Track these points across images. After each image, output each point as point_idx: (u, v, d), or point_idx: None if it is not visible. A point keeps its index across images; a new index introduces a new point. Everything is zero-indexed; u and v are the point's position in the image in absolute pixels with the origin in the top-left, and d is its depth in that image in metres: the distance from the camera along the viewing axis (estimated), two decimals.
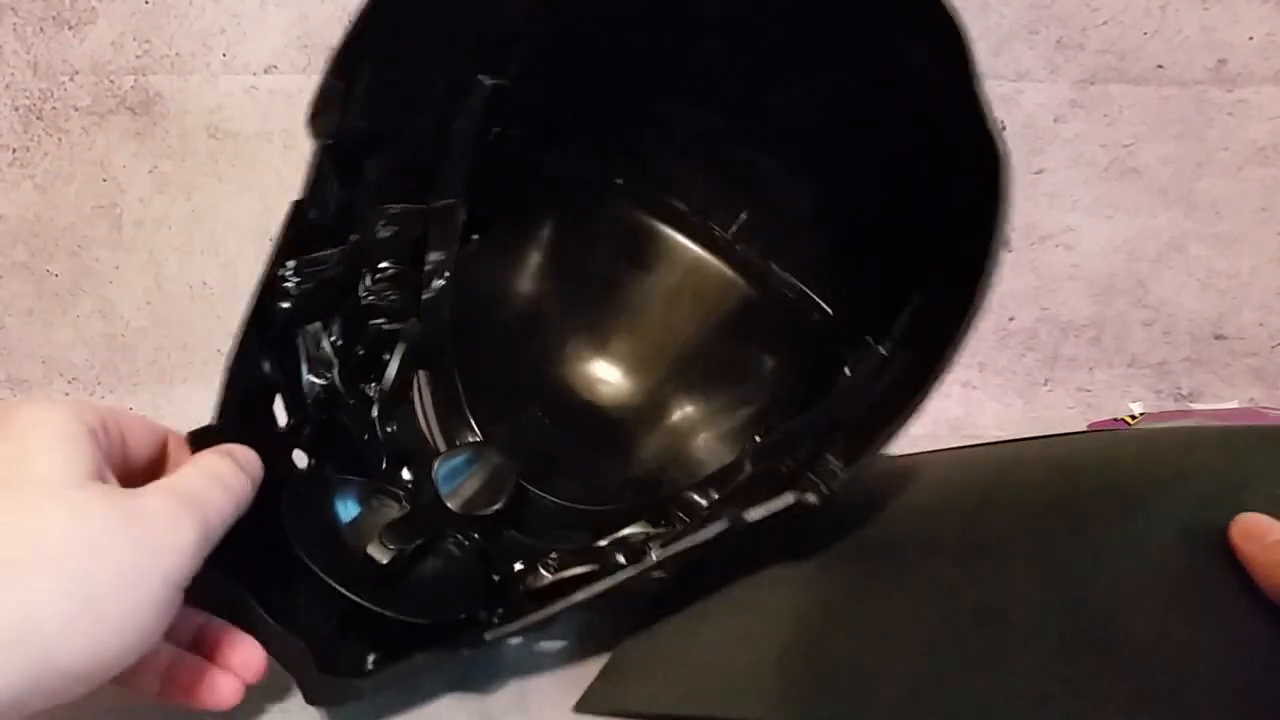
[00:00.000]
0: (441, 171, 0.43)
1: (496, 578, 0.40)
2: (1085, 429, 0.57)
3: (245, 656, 0.31)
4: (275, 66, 0.61)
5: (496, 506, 0.41)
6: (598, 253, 0.51)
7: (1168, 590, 0.24)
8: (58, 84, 0.65)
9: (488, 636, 0.33)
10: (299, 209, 0.36)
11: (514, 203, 0.48)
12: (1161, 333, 0.63)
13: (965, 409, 0.63)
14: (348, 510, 0.39)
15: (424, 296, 0.45)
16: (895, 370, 0.37)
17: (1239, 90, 0.60)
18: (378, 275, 0.42)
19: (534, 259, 0.51)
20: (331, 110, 0.36)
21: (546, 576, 0.38)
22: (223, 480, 0.29)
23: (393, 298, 0.43)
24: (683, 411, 0.49)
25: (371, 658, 0.34)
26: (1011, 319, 0.63)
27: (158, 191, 0.65)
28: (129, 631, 0.24)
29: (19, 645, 0.22)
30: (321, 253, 0.38)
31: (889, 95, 0.38)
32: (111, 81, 0.64)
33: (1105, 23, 0.60)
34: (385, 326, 0.43)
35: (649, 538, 0.41)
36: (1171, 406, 0.62)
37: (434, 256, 0.45)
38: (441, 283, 0.45)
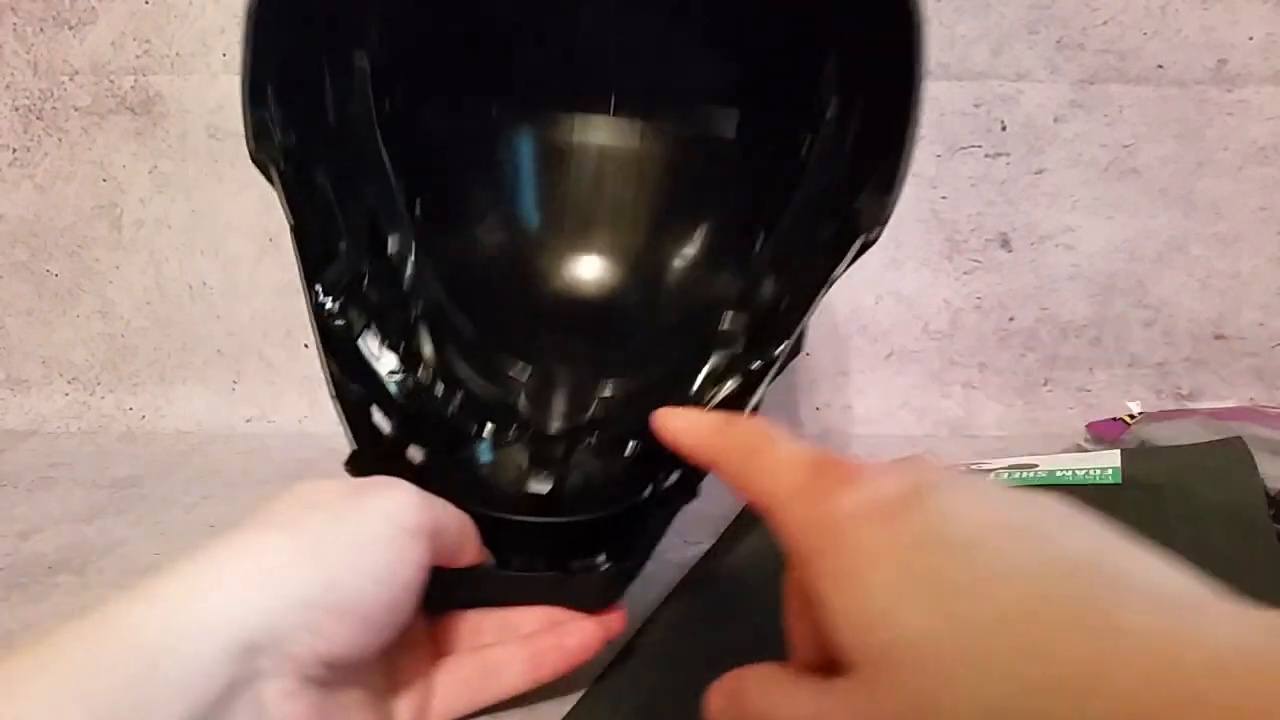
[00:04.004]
0: (364, 161, 0.44)
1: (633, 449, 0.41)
2: (1084, 427, 0.57)
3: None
4: None
5: (588, 414, 0.44)
6: (521, 175, 0.51)
7: None
8: (58, 84, 0.65)
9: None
10: (295, 235, 0.38)
11: (436, 168, 0.48)
12: (1161, 333, 0.63)
13: (966, 409, 0.64)
14: (488, 469, 0.42)
15: (405, 279, 0.45)
16: (858, 115, 0.39)
17: (1239, 90, 0.60)
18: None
19: (478, 204, 0.51)
20: (266, 139, 0.37)
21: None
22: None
23: (374, 297, 0.44)
24: (677, 262, 0.50)
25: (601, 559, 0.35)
26: (1011, 319, 0.63)
27: (158, 191, 0.66)
28: (364, 569, 0.26)
29: (253, 580, 0.25)
30: (327, 270, 0.39)
31: None
32: (111, 81, 0.64)
33: (1105, 23, 0.60)
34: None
35: (729, 364, 0.41)
36: (1171, 406, 0.62)
37: (393, 243, 0.45)
38: (411, 265, 0.46)
